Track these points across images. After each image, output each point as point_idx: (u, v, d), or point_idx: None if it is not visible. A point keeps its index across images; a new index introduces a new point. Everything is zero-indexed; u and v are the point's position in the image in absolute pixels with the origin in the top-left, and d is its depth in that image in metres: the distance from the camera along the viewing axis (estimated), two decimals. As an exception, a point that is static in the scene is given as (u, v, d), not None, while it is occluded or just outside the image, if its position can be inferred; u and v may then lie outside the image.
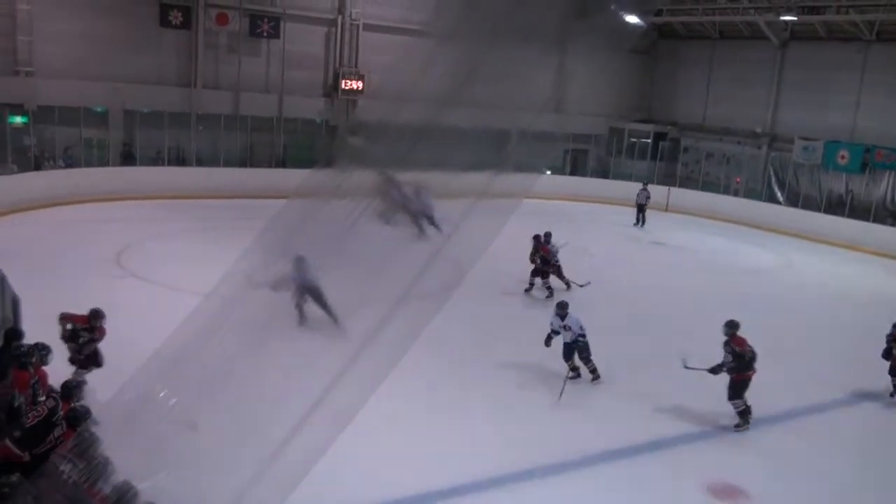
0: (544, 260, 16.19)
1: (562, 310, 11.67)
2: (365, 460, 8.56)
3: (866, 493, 9.55)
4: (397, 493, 8.43)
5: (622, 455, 9.84)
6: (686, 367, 10.76)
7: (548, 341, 11.78)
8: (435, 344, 11.26)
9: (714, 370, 10.65)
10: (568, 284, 16.49)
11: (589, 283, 16.45)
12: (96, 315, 9.70)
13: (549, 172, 30.70)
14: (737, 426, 10.69)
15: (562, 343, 11.69)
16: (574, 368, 11.65)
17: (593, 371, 11.81)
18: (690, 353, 10.90)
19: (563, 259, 16.53)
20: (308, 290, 12.88)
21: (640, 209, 26.43)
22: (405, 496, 8.44)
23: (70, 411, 7.08)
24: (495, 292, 15.89)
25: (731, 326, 10.71)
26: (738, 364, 10.53)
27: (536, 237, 16.37)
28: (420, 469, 8.92)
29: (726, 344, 10.57)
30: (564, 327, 11.58)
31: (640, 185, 27.15)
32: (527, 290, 16.46)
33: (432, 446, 9.49)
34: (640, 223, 26.34)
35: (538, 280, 16.33)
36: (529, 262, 16.38)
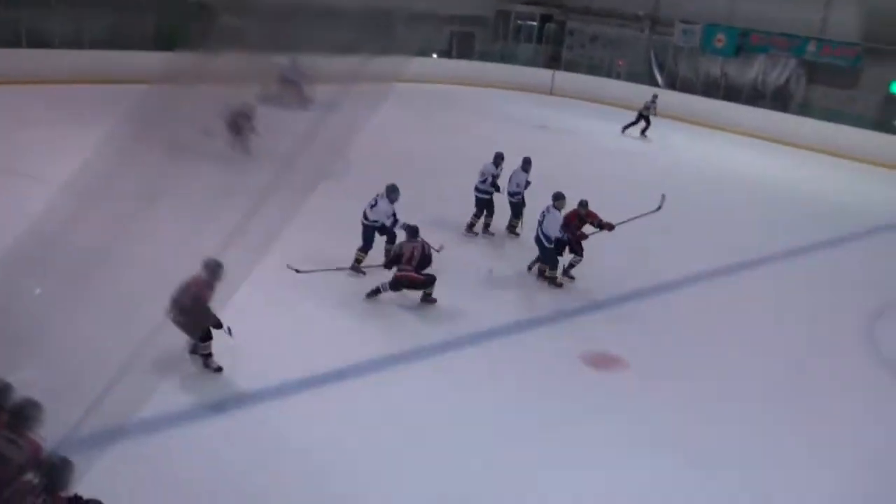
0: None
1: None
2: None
3: (745, 357, 9.98)
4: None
5: (500, 333, 10.01)
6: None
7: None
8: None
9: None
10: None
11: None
12: None
13: (434, 56, 30.25)
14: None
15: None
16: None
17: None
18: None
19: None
20: None
21: (643, 117, 24.04)
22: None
23: None
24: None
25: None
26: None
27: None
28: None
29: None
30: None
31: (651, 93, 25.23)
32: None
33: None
34: (632, 127, 24.10)
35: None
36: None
